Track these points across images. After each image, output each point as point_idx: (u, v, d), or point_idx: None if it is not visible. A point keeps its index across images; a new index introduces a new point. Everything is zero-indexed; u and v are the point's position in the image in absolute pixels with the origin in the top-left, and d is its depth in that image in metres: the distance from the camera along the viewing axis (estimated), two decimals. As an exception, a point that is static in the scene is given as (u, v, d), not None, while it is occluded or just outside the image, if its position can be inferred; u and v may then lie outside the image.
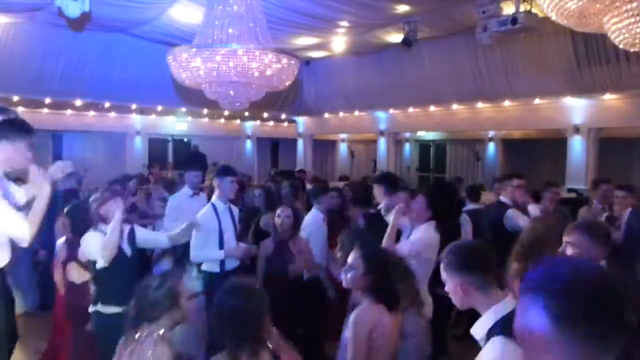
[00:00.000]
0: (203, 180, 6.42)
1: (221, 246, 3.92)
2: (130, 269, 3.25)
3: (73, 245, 3.71)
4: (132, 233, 3.45)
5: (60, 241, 3.93)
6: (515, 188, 4.72)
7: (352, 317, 2.35)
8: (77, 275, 3.67)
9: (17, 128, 2.71)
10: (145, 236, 3.52)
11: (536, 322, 0.93)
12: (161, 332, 2.15)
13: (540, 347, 0.93)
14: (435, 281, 3.83)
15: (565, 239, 2.48)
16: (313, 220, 4.42)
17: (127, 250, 3.34)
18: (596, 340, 0.90)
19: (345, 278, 2.46)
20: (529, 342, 0.95)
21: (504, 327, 1.63)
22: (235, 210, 4.21)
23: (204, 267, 3.99)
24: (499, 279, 1.92)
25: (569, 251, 2.44)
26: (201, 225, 3.77)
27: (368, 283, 2.37)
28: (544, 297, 0.92)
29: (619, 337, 0.92)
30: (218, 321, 1.92)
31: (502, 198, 4.81)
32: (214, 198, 4.08)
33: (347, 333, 2.40)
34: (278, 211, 3.97)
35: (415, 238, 3.41)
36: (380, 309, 2.33)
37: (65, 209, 3.94)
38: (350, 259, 2.46)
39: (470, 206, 5.52)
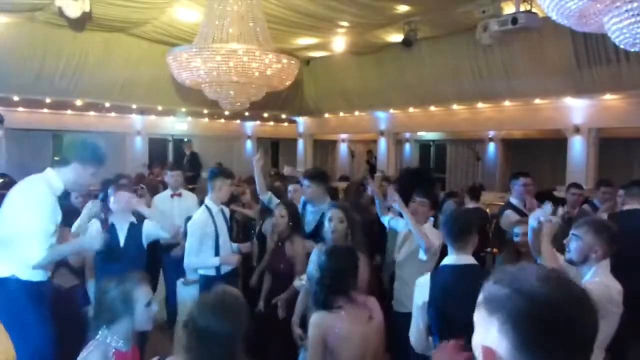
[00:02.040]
0: (195, 180, 6.43)
1: (217, 250, 3.87)
2: (125, 260, 3.34)
3: None
4: (133, 227, 3.57)
5: None
6: (523, 187, 4.49)
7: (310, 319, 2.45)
8: (65, 279, 3.61)
9: (91, 154, 2.94)
10: (151, 230, 3.57)
11: (494, 343, 0.91)
12: (112, 342, 2.08)
13: None
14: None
15: (572, 231, 2.54)
16: None
17: (122, 241, 3.50)
18: None
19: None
20: (487, 357, 0.93)
21: None
22: (227, 211, 4.14)
23: (200, 271, 3.96)
24: None
25: (573, 243, 2.51)
26: (197, 229, 3.79)
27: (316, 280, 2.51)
28: (501, 320, 0.90)
29: (582, 356, 0.90)
30: (189, 337, 1.81)
31: (512, 199, 4.56)
32: (206, 200, 3.97)
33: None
34: (275, 210, 3.91)
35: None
36: (334, 314, 2.39)
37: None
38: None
39: (471, 205, 5.53)
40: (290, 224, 3.75)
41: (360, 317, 2.44)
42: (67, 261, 3.60)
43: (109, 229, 3.50)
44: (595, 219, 2.75)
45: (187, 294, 4.17)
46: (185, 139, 15.40)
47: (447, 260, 2.59)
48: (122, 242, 3.55)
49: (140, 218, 3.62)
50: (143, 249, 3.58)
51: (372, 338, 2.47)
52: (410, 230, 3.50)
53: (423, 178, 4.61)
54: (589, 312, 0.91)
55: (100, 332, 2.09)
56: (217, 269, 3.87)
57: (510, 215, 4.32)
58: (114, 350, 2.07)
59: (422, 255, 3.34)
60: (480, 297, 0.97)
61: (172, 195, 5.02)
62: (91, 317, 2.21)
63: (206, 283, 3.77)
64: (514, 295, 0.89)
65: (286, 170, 5.55)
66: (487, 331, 0.93)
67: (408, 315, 3.09)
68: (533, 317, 0.87)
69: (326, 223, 3.32)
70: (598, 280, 2.40)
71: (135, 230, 3.58)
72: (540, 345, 0.87)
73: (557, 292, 0.89)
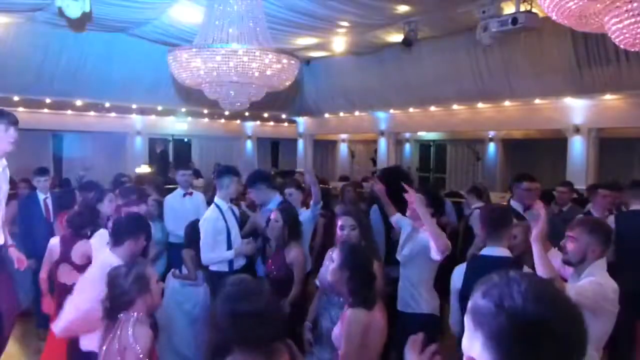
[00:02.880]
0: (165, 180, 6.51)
1: (229, 245, 3.96)
2: None
3: (67, 245, 3.67)
4: None
5: (55, 241, 3.82)
6: (525, 192, 4.22)
7: (347, 316, 2.43)
8: (68, 277, 3.61)
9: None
10: None
11: (478, 356, 0.92)
12: (138, 314, 2.24)
13: None
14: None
15: (567, 232, 2.56)
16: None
17: None
18: None
19: (328, 271, 2.63)
20: None
21: None
22: (236, 209, 4.24)
23: (212, 268, 3.99)
24: None
25: (569, 245, 2.53)
26: (209, 226, 3.83)
27: (344, 279, 2.49)
28: (486, 336, 0.90)
29: None
30: (231, 324, 1.81)
31: (513, 202, 4.29)
32: (216, 198, 4.08)
33: (337, 330, 2.52)
34: (271, 214, 3.80)
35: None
36: (370, 310, 2.45)
37: (75, 209, 3.88)
38: (333, 253, 2.64)
39: (476, 204, 5.55)
40: (287, 229, 3.63)
41: (383, 311, 2.57)
42: (69, 257, 3.62)
43: None
44: (589, 219, 2.77)
45: (169, 285, 4.19)
46: (185, 139, 15.45)
47: (484, 251, 2.85)
48: None
49: None
50: None
51: (385, 330, 2.59)
52: (412, 229, 3.47)
53: (405, 176, 4.56)
54: (576, 328, 0.90)
55: (121, 315, 2.23)
56: (230, 264, 3.95)
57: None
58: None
59: (435, 255, 3.22)
60: (469, 306, 0.97)
61: (184, 195, 5.22)
62: (106, 304, 2.28)
63: (218, 278, 3.74)
64: (498, 312, 0.88)
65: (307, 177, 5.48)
66: (472, 342, 0.93)
67: (413, 316, 3.11)
68: (516, 336, 0.86)
69: (338, 231, 3.26)
70: (593, 279, 2.41)
71: None
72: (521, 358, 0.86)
73: (543, 309, 0.87)
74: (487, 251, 2.86)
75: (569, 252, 2.53)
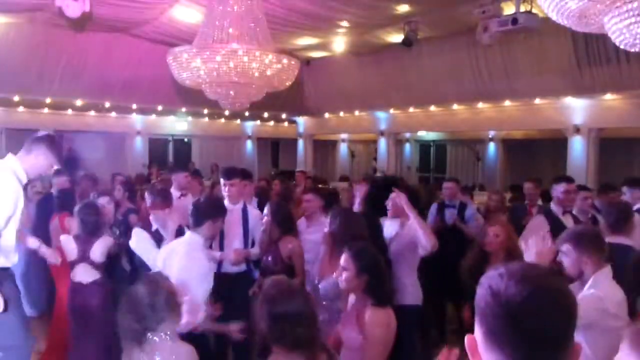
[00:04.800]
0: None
1: (222, 247, 3.90)
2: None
3: (85, 244, 3.68)
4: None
5: (68, 240, 3.76)
6: (564, 194, 4.03)
7: (369, 319, 2.38)
8: (86, 275, 3.65)
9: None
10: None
11: (476, 335, 1.01)
12: (169, 332, 2.09)
13: (479, 358, 1.00)
14: (426, 271, 3.96)
15: (558, 248, 2.46)
16: None
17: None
18: (521, 357, 0.94)
19: (340, 280, 2.52)
20: (471, 350, 1.02)
21: None
22: (254, 212, 4.13)
23: None
24: None
25: (564, 260, 2.44)
26: None
27: (362, 284, 2.43)
28: (477, 313, 1.00)
29: (550, 351, 0.95)
30: (271, 325, 1.82)
31: (552, 206, 4.12)
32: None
33: (353, 333, 2.42)
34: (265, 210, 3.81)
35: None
36: (387, 310, 2.41)
37: (76, 208, 3.86)
38: (342, 260, 2.52)
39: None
40: (279, 224, 3.64)
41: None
42: (88, 256, 3.64)
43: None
44: (575, 230, 2.67)
45: None
46: (185, 139, 15.42)
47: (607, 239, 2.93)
48: None
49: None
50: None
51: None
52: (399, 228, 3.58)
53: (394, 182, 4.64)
54: (559, 310, 0.96)
55: (148, 336, 2.05)
56: (218, 267, 3.87)
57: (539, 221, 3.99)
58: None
59: (422, 251, 3.39)
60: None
61: (179, 197, 5.20)
62: (125, 324, 2.08)
63: None
64: (486, 292, 0.98)
65: None
66: (475, 323, 1.03)
67: (398, 308, 3.13)
68: (496, 312, 0.95)
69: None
70: (593, 292, 2.28)
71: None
72: (500, 340, 0.95)
73: (523, 289, 0.95)
74: (611, 239, 3.03)
75: (566, 268, 2.43)
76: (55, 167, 3.32)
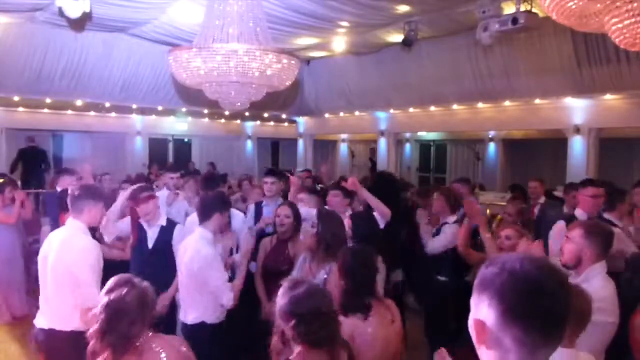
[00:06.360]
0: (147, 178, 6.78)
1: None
2: (148, 263, 3.58)
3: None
4: (164, 229, 3.75)
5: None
6: (592, 198, 3.82)
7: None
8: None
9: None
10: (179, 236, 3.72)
11: (483, 316, 1.05)
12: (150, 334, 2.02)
13: (490, 340, 1.04)
14: (436, 268, 4.02)
15: (566, 233, 2.54)
16: None
17: (150, 244, 3.69)
18: (536, 333, 1.01)
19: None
20: (480, 335, 1.06)
21: None
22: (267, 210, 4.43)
23: None
24: None
25: (565, 246, 2.50)
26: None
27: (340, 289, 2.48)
28: (490, 295, 1.04)
29: (557, 329, 1.03)
30: (295, 324, 1.85)
31: (577, 212, 3.91)
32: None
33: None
34: (278, 210, 3.88)
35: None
36: (355, 320, 2.36)
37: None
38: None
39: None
40: (295, 224, 3.79)
41: (384, 320, 2.46)
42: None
43: (139, 231, 3.69)
44: (589, 222, 2.70)
45: None
46: (185, 139, 15.43)
47: None
48: (150, 245, 3.73)
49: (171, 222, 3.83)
50: (172, 252, 3.62)
51: (394, 340, 2.48)
52: None
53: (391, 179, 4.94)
54: (565, 292, 1.04)
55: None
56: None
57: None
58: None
59: (380, 222, 3.86)
60: (475, 283, 1.11)
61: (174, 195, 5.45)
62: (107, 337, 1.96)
63: None
64: (501, 272, 1.04)
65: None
66: (478, 308, 1.07)
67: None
68: (517, 289, 1.01)
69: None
70: (585, 286, 2.27)
71: (165, 233, 3.74)
72: (521, 314, 1.00)
73: (538, 271, 1.03)
74: None
75: (565, 253, 2.49)
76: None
